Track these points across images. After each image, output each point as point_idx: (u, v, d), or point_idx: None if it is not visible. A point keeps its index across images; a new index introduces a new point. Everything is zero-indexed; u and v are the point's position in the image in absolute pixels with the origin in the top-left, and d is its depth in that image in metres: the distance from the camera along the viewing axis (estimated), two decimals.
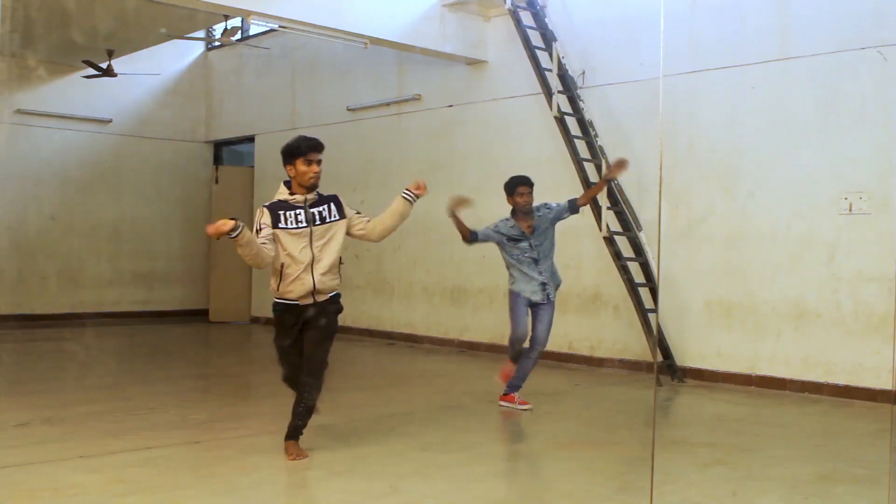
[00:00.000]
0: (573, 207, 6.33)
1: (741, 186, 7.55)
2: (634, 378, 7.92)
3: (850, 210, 6.89)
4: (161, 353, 9.83)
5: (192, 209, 13.50)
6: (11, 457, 4.67)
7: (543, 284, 6.21)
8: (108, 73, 11.16)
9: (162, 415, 5.92)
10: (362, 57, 10.35)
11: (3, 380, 7.57)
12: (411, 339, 10.40)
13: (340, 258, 4.88)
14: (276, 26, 8.89)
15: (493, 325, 9.49)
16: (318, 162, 4.79)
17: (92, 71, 11.16)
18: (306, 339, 4.84)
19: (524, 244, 6.18)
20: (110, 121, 12.90)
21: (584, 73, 8.64)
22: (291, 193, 4.78)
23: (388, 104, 10.84)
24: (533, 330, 6.25)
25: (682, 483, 4.38)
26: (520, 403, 6.24)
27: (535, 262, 6.19)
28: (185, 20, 10.31)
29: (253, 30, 12.68)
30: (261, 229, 4.67)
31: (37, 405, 6.16)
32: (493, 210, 9.54)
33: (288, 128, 12.36)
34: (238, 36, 12.08)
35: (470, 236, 6.18)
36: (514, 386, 6.32)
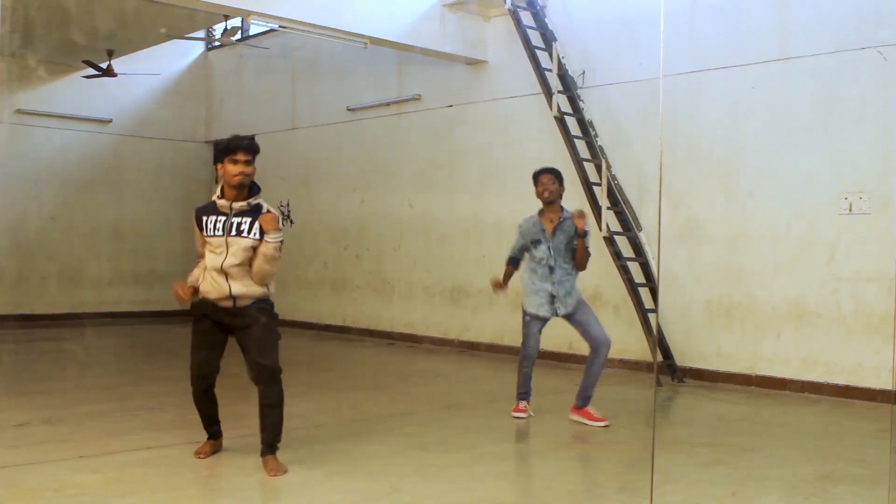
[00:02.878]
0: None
1: (741, 186, 7.55)
2: (634, 378, 7.92)
3: (850, 210, 6.89)
4: (161, 353, 9.83)
5: (192, 209, 13.47)
6: (11, 457, 4.67)
7: (552, 297, 5.81)
8: (109, 73, 11.16)
9: (162, 415, 5.92)
10: (362, 57, 10.36)
11: (3, 380, 7.57)
12: (411, 339, 10.40)
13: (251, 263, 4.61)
14: (275, 26, 8.89)
15: (493, 326, 9.50)
16: (247, 163, 4.50)
17: (92, 71, 11.16)
18: (248, 350, 4.69)
19: (542, 247, 5.84)
20: (110, 121, 12.91)
21: (584, 73, 8.64)
22: (221, 196, 4.60)
23: (388, 104, 10.84)
24: (586, 335, 5.89)
25: (682, 483, 4.38)
26: (595, 419, 5.76)
27: (551, 270, 5.82)
28: (185, 20, 10.31)
29: (253, 30, 12.68)
30: (195, 237, 4.69)
31: (37, 405, 6.16)
32: (492, 209, 9.61)
33: (288, 128, 12.38)
34: (238, 36, 12.09)
35: (513, 264, 6.07)
36: (584, 398, 5.83)
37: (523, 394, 6.12)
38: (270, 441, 4.59)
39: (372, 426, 5.70)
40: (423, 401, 6.87)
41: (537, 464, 4.85)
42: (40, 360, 9.05)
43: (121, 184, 13.04)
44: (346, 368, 9.05)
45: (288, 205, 12.33)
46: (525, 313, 5.95)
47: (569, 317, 5.87)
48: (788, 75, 7.27)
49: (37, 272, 12.28)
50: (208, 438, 4.87)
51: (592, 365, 5.81)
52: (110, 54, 11.18)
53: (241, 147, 4.52)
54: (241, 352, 4.72)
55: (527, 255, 5.98)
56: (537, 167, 6.09)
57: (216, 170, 4.66)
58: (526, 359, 6.01)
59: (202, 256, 4.66)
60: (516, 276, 6.15)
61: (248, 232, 4.53)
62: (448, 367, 8.81)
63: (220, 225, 4.56)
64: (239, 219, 4.55)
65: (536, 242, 5.87)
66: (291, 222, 12.29)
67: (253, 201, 4.58)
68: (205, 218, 4.63)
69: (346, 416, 6.07)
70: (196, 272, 4.70)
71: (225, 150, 4.54)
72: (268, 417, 4.64)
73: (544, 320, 5.91)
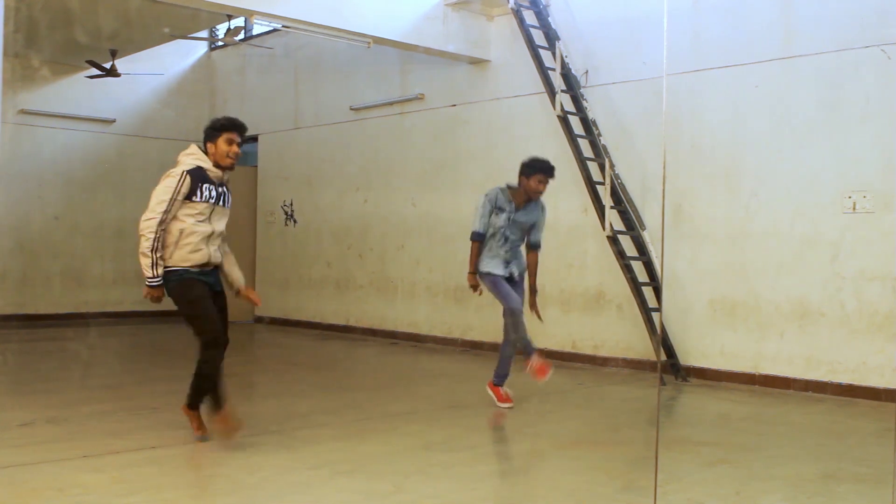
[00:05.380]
0: (533, 246, 6.33)
1: (744, 185, 7.54)
2: (638, 377, 7.91)
3: (854, 209, 6.88)
4: (164, 353, 9.84)
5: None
6: (15, 456, 4.67)
7: (507, 262, 6.16)
8: (112, 73, 11.17)
9: (165, 414, 5.91)
10: (365, 56, 10.37)
11: (6, 379, 7.58)
12: (415, 339, 10.40)
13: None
14: (279, 26, 8.90)
15: (497, 325, 9.45)
16: (239, 144, 4.79)
17: (95, 71, 11.17)
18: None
19: (504, 216, 6.11)
20: (114, 121, 12.92)
21: (587, 72, 8.63)
22: (215, 165, 4.80)
23: (391, 104, 10.84)
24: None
25: (685, 482, 4.37)
26: (504, 400, 6.19)
27: (506, 240, 6.14)
28: (189, 20, 10.32)
29: (256, 29, 12.69)
30: (176, 198, 4.66)
31: (40, 405, 6.16)
32: None
33: (291, 127, 12.38)
34: (241, 36, 12.10)
35: (479, 240, 6.15)
36: (500, 376, 6.26)
37: (505, 377, 6.24)
38: (223, 398, 4.89)
39: (375, 425, 5.71)
40: (426, 400, 6.87)
41: (541, 463, 4.85)
42: (44, 360, 9.07)
43: (124, 184, 13.04)
44: (349, 368, 9.06)
45: (291, 204, 12.34)
46: (489, 274, 6.14)
47: (514, 283, 6.19)
48: (792, 74, 7.26)
49: (40, 272, 12.29)
50: (218, 409, 4.90)
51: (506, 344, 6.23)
52: (114, 54, 11.18)
53: (238, 128, 4.78)
54: None
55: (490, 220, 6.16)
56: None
57: (206, 147, 4.81)
58: (514, 313, 6.03)
59: (162, 219, 4.66)
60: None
61: (227, 204, 4.92)
62: (451, 366, 8.81)
63: (213, 193, 4.78)
64: (223, 189, 4.87)
65: (500, 210, 6.11)
66: (295, 222, 12.29)
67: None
68: (201, 184, 4.73)
69: (350, 415, 6.07)
70: (148, 244, 4.68)
71: (221, 128, 4.77)
72: (218, 380, 4.87)
73: (505, 279, 6.19)
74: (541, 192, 6.15)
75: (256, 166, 13.12)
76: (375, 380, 8.07)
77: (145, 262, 4.69)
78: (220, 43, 12.53)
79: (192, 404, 4.96)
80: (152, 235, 4.65)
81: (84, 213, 12.68)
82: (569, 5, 8.82)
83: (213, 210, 4.80)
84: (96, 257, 12.76)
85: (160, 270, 4.69)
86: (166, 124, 13.42)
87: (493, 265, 6.15)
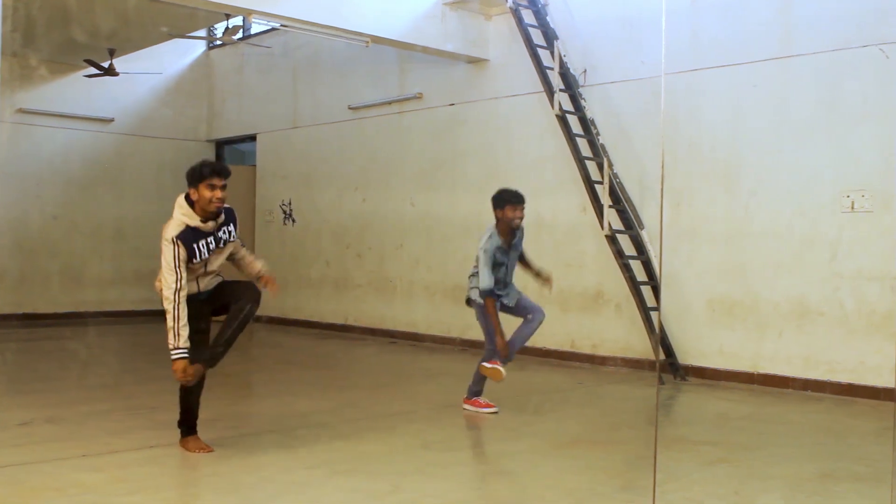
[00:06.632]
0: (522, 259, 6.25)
1: (743, 184, 7.54)
2: (637, 376, 7.92)
3: (853, 208, 6.88)
4: (163, 353, 9.73)
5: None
6: (14, 456, 4.67)
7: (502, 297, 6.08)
8: (110, 72, 11.16)
9: (164, 414, 5.89)
10: (364, 56, 10.36)
11: (5, 379, 7.58)
12: (413, 338, 10.40)
13: None
14: (277, 25, 8.89)
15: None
16: (223, 188, 4.63)
17: (94, 70, 11.17)
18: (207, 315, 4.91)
19: (502, 267, 5.99)
20: (112, 120, 12.91)
21: (585, 71, 8.63)
22: (204, 220, 4.67)
23: (389, 103, 10.84)
24: (527, 309, 6.14)
25: (684, 481, 4.38)
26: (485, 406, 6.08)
27: (505, 285, 6.02)
28: (187, 19, 10.31)
29: (254, 28, 12.68)
30: (178, 265, 4.64)
31: (39, 404, 6.16)
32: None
33: (289, 126, 12.38)
34: (239, 35, 12.09)
35: (493, 296, 5.96)
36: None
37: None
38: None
39: (374, 425, 5.71)
40: (425, 399, 6.87)
41: (539, 462, 4.85)
42: (43, 360, 9.06)
43: (123, 183, 13.04)
44: (347, 367, 9.06)
45: (290, 204, 12.34)
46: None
47: (510, 309, 6.10)
48: (790, 73, 7.26)
49: (39, 271, 12.28)
50: (194, 433, 4.90)
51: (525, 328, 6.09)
52: (112, 53, 11.18)
53: (217, 173, 4.62)
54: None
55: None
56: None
57: (189, 193, 4.68)
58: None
59: (179, 287, 4.67)
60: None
61: (230, 238, 4.83)
62: (450, 365, 8.81)
63: (208, 248, 4.71)
64: (220, 232, 4.76)
65: (503, 252, 5.97)
66: (293, 221, 12.29)
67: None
68: (194, 246, 4.65)
69: (348, 415, 6.07)
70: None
71: (201, 177, 4.61)
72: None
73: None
74: (520, 219, 5.96)
75: (255, 165, 13.12)
76: (374, 379, 8.07)
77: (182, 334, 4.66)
78: (219, 42, 12.52)
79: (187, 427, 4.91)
80: (179, 310, 4.68)
81: (82, 213, 12.67)
82: (567, 4, 8.82)
83: (208, 259, 4.75)
84: (95, 256, 12.75)
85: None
86: (165, 123, 13.42)
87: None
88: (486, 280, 5.84)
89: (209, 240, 4.71)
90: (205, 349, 4.76)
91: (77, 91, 12.40)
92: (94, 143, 12.80)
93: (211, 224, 4.69)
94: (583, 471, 4.57)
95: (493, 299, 5.91)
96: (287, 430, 5.29)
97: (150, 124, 13.29)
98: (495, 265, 5.92)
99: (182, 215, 4.66)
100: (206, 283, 4.86)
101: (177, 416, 4.98)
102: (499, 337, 5.83)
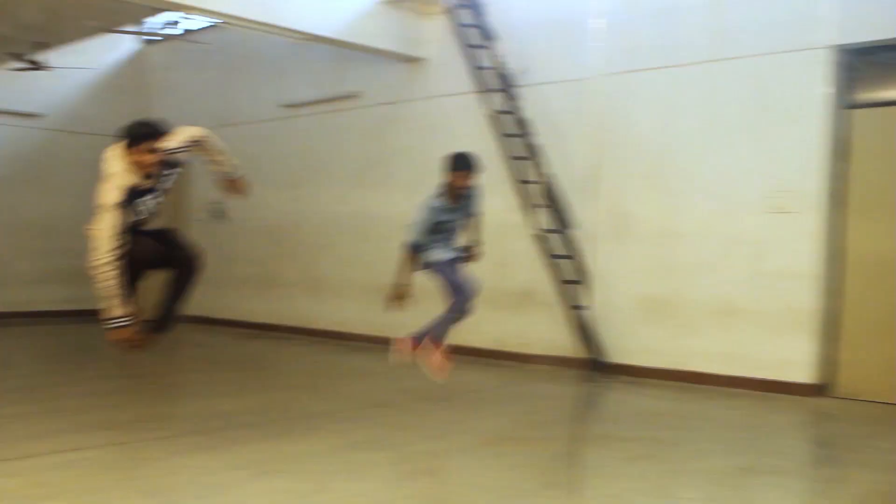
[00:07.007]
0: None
1: (673, 185, 7.68)
2: (563, 374, 7.99)
3: (778, 209, 7.06)
4: (91, 354, 9.60)
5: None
6: None
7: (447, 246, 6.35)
8: (41, 66, 10.86)
9: (87, 416, 5.78)
10: (300, 53, 10.26)
11: None
12: (343, 337, 10.30)
13: None
14: (212, 22, 8.77)
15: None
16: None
17: (23, 64, 10.85)
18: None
19: (451, 215, 6.23)
20: (40, 115, 12.57)
21: (523, 70, 8.67)
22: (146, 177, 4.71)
23: (325, 101, 10.76)
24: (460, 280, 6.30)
25: (608, 477, 4.44)
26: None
27: (446, 243, 6.27)
28: (116, 13, 10.08)
29: (190, 25, 12.47)
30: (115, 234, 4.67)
31: None
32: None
33: (223, 123, 12.19)
34: (174, 31, 11.88)
35: (413, 251, 6.16)
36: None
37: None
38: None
39: (299, 425, 5.65)
40: (351, 399, 6.83)
41: (466, 461, 4.86)
42: None
43: (50, 180, 12.69)
44: (275, 367, 8.96)
45: (221, 202, 12.15)
46: (439, 263, 6.20)
47: (441, 270, 6.25)
48: (721, 76, 7.42)
49: None
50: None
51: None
52: (42, 47, 10.87)
53: (155, 136, 4.69)
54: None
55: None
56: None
57: (126, 152, 4.65)
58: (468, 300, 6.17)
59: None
60: None
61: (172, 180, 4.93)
62: (378, 364, 8.74)
63: (152, 196, 4.82)
64: (161, 176, 4.86)
65: (449, 212, 6.19)
66: (227, 220, 12.11)
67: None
68: (137, 199, 4.69)
69: (273, 415, 6.01)
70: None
71: (141, 138, 4.65)
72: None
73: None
74: (465, 187, 6.16)
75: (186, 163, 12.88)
76: (301, 379, 8.01)
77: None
78: (153, 37, 12.29)
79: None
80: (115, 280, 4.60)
81: (6, 210, 12.28)
82: (505, 4, 8.87)
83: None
84: (20, 255, 12.38)
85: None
86: (96, 119, 13.07)
87: (443, 253, 6.25)
88: (412, 232, 6.17)
89: (152, 187, 4.71)
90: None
91: (1, 85, 12.03)
92: (20, 139, 12.43)
93: (150, 182, 4.64)
94: (508, 468, 4.60)
95: (412, 253, 6.16)
96: (210, 431, 5.21)
97: (81, 120, 12.95)
98: (439, 223, 6.12)
99: (122, 177, 4.65)
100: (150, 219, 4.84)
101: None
102: (395, 283, 6.16)
